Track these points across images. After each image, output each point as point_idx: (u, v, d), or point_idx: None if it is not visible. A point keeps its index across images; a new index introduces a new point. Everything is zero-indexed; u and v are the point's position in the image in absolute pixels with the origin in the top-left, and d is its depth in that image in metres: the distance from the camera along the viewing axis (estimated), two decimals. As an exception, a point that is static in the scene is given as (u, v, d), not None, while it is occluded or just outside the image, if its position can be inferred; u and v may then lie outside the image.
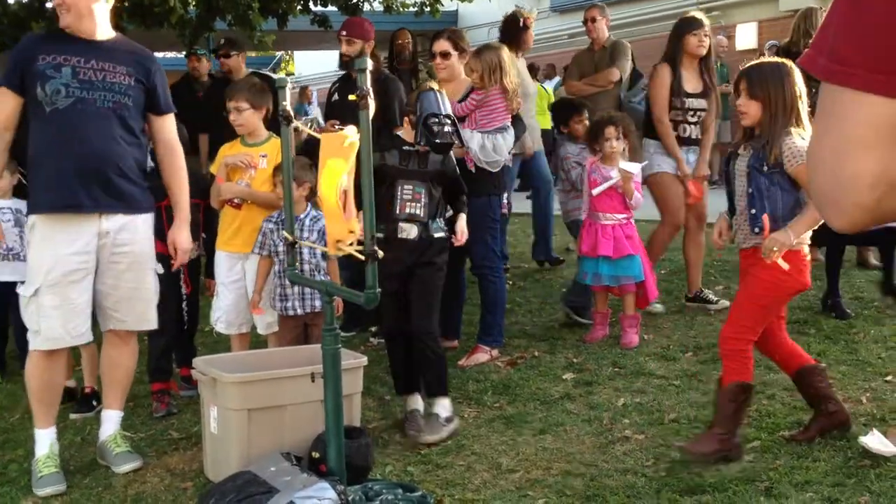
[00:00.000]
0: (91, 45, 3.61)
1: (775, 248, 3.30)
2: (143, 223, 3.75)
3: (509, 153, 5.03)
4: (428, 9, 9.82)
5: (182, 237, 3.82)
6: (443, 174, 4.13)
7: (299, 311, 4.28)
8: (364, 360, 3.76)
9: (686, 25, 5.58)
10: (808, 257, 3.48)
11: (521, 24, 6.59)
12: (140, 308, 3.80)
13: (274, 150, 4.43)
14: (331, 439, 3.21)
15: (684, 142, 5.57)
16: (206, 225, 4.77)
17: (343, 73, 5.88)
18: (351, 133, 3.05)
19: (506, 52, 5.12)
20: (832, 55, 0.92)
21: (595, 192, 5.17)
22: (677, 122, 5.54)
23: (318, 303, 4.25)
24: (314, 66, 23.79)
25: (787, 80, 3.38)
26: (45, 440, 3.67)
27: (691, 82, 5.55)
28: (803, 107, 3.40)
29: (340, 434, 3.22)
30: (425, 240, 4.06)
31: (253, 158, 4.44)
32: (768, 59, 3.65)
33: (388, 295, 3.99)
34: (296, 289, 4.26)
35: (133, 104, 3.65)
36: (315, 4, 9.47)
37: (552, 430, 3.92)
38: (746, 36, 13.43)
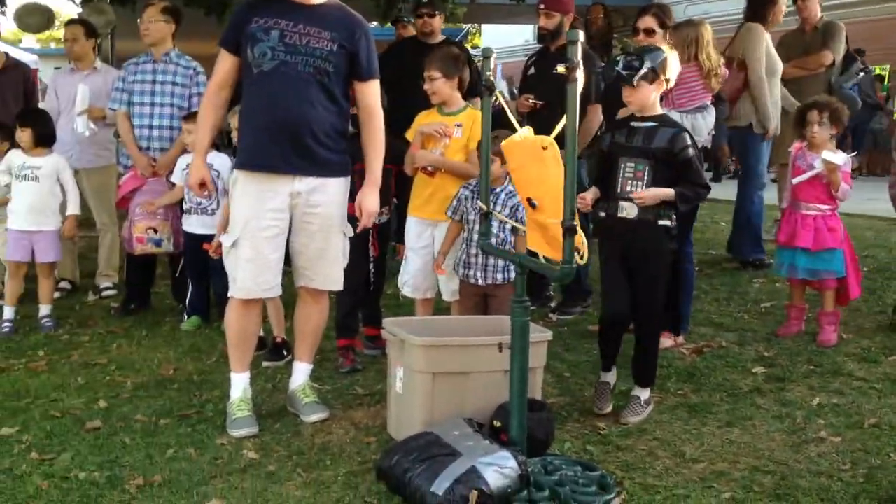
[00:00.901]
0: (303, 8, 3.68)
1: None
2: (335, 186, 3.80)
3: (709, 134, 4.84)
4: (623, -17, 9.61)
5: (369, 201, 3.81)
6: (669, 152, 3.77)
7: (480, 282, 4.29)
8: (549, 334, 3.72)
9: None
10: None
11: None
12: (326, 268, 3.88)
13: (469, 120, 4.45)
14: (514, 410, 3.21)
15: None
16: (398, 190, 4.85)
17: (540, 46, 5.79)
18: (546, 139, 2.98)
19: (706, 30, 4.91)
20: None
21: (795, 181, 4.89)
22: None
23: (499, 276, 4.25)
24: (500, 39, 23.88)
25: None
26: (240, 384, 3.84)
27: None
28: None
29: (524, 405, 3.21)
30: (648, 223, 3.78)
31: (448, 128, 4.46)
32: None
33: (611, 279, 3.91)
34: (479, 259, 4.27)
35: (334, 70, 3.68)
36: (510, -22, 9.44)
37: (739, 424, 3.76)
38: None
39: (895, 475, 3.22)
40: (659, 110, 3.90)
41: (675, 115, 4.64)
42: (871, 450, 3.46)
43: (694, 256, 4.99)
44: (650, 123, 3.83)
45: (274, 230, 3.71)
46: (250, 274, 3.71)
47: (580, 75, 2.87)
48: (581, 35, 2.89)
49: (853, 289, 4.89)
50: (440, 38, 5.96)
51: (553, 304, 5.79)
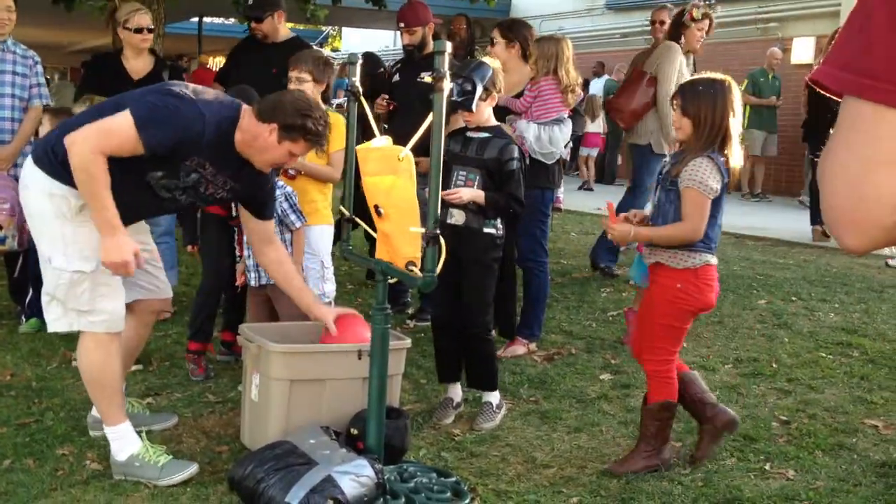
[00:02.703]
0: (236, 160, 3.34)
1: (617, 236, 3.52)
2: None
3: (566, 146, 4.99)
4: (483, -4, 9.80)
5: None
6: (498, 162, 3.87)
7: (254, 283, 4.25)
8: (408, 342, 3.74)
9: None
10: (715, 276, 3.41)
11: (684, 18, 6.41)
12: (163, 275, 3.71)
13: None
14: (371, 418, 3.21)
15: None
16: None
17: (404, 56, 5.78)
18: (402, 150, 2.99)
19: (567, 46, 5.06)
20: (856, 69, 0.87)
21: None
22: None
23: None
24: (361, 43, 23.78)
25: (720, 98, 3.28)
26: (133, 435, 3.35)
27: None
28: (735, 126, 3.30)
29: (382, 413, 3.22)
30: (474, 230, 3.87)
31: None
32: (708, 75, 3.43)
33: (439, 284, 3.96)
34: (252, 260, 4.18)
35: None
36: (372, -17, 9.46)
37: (587, 429, 3.90)
38: (803, 50, 13.23)
39: (731, 479, 3.40)
40: (493, 122, 4.00)
41: (533, 127, 4.78)
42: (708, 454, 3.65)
43: (548, 265, 5.13)
44: (484, 135, 3.93)
45: None
46: (122, 302, 3.35)
47: (447, 85, 2.90)
48: (448, 46, 2.92)
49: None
50: (286, 35, 5.70)
51: (411, 311, 5.82)
